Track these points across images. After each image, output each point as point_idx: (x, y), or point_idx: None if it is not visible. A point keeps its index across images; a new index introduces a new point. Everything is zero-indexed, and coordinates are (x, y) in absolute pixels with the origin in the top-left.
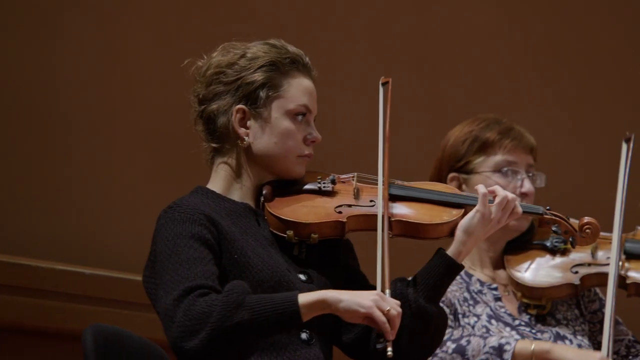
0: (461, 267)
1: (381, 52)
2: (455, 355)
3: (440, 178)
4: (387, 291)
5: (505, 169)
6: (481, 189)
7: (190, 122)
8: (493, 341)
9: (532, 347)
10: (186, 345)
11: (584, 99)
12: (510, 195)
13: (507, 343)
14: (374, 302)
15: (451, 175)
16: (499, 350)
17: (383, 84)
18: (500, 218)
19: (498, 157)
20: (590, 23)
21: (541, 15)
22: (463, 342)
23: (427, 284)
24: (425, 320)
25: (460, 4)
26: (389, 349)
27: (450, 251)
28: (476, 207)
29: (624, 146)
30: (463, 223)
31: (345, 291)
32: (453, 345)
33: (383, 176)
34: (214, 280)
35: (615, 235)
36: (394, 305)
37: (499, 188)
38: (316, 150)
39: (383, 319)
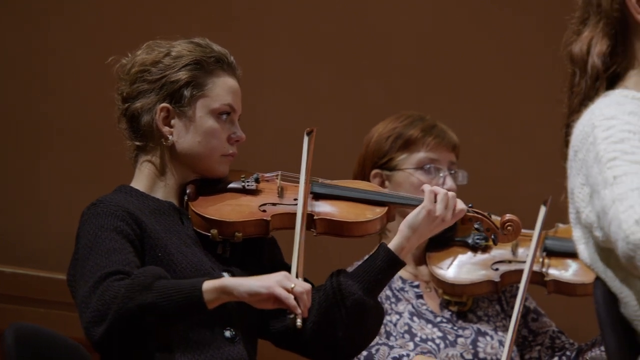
0: (403, 263)
1: (304, 49)
2: None
3: (364, 174)
4: (300, 279)
5: (427, 166)
6: (427, 187)
7: (113, 120)
8: (395, 352)
9: None
10: (94, 333)
11: (507, 97)
12: (451, 193)
13: (407, 355)
14: (277, 282)
15: (374, 171)
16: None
17: (308, 134)
18: (444, 216)
19: (421, 155)
20: (513, 21)
21: (465, 12)
22: (373, 350)
23: (367, 277)
24: (362, 313)
25: (384, 1)
26: (298, 320)
27: (392, 245)
28: (422, 204)
29: (542, 209)
30: (408, 219)
31: (247, 277)
32: (365, 352)
33: (306, 168)
34: (132, 268)
35: (536, 232)
36: (299, 283)
37: (439, 188)
38: (240, 149)
39: (286, 294)
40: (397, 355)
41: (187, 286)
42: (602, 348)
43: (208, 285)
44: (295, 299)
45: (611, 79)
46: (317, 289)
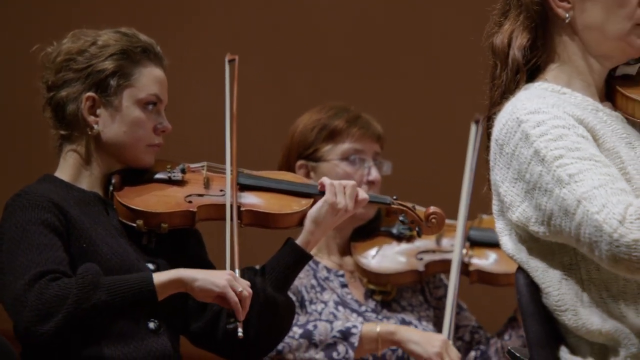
0: (309, 257)
1: (230, 40)
2: (303, 341)
3: (289, 165)
4: (237, 270)
5: (352, 157)
6: (326, 180)
7: (38, 109)
8: (340, 325)
9: (378, 329)
10: (40, 329)
11: (432, 88)
12: (351, 182)
13: (354, 326)
14: (228, 282)
15: (299, 162)
16: (346, 333)
17: (229, 61)
18: (347, 206)
19: (346, 146)
20: (434, 11)
21: (391, 4)
22: (310, 326)
23: (276, 273)
24: (273, 309)
25: None
26: (240, 329)
27: (299, 241)
28: (324, 198)
29: (473, 128)
30: (311, 213)
31: (200, 270)
32: (300, 330)
33: (231, 158)
34: (65, 266)
35: (460, 222)
36: (245, 287)
37: (338, 182)
38: (166, 140)
39: (236, 299)
40: (343, 329)
41: (138, 281)
42: (506, 338)
43: (160, 279)
44: (240, 302)
45: (531, 71)
46: None
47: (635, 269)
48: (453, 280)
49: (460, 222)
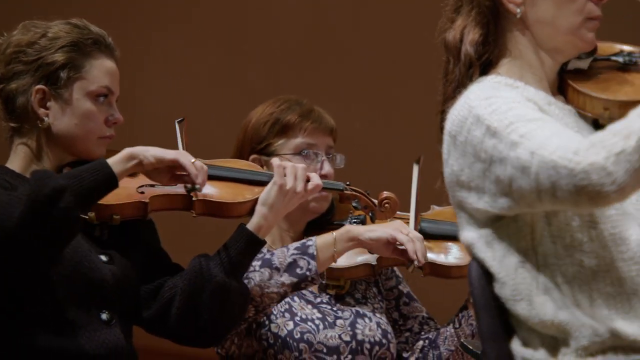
0: (263, 242)
1: (186, 31)
2: (264, 269)
3: (242, 159)
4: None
5: (305, 151)
6: (275, 161)
7: None
8: (295, 244)
9: (333, 234)
10: (7, 224)
11: (386, 82)
12: (300, 165)
13: (309, 239)
14: (178, 153)
15: (252, 157)
16: (302, 248)
17: (179, 122)
18: (296, 187)
19: (298, 140)
20: (388, 3)
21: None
22: (267, 255)
23: (228, 258)
24: (225, 294)
25: None
26: (197, 185)
27: (250, 225)
28: (272, 180)
29: (415, 168)
30: (262, 196)
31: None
32: (259, 262)
33: (184, 148)
34: None
35: (412, 214)
36: (198, 160)
37: (287, 162)
38: (117, 131)
39: (189, 162)
40: (299, 244)
41: (94, 167)
42: (456, 326)
43: (112, 160)
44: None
45: (484, 66)
46: (180, 275)
47: (596, 194)
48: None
49: (413, 191)
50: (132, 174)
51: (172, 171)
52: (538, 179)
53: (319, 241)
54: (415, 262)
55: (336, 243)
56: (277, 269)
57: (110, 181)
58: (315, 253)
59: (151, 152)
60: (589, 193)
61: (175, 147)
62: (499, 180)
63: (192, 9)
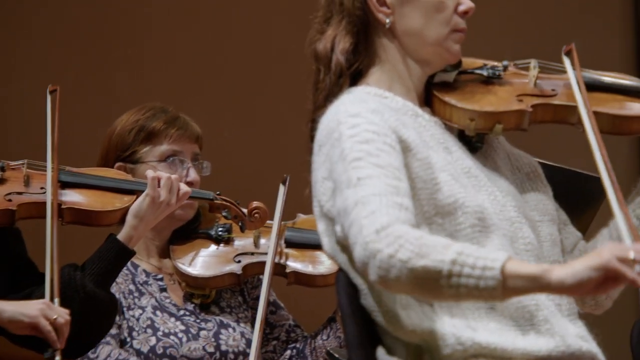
0: (132, 252)
1: (56, 37)
2: None
3: (107, 167)
4: (56, 300)
5: (171, 158)
6: (150, 173)
7: None
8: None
9: None
10: None
11: (256, 91)
12: (174, 176)
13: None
14: (40, 311)
15: (118, 164)
16: None
17: (51, 92)
18: (169, 200)
19: (164, 147)
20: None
21: (213, 7)
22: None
23: (97, 268)
24: (93, 305)
25: None
26: (57, 358)
27: (120, 236)
28: (145, 191)
29: (281, 188)
30: (133, 207)
31: (10, 302)
32: None
33: (52, 156)
34: None
35: (277, 212)
36: (61, 314)
37: (162, 172)
38: None
39: (49, 327)
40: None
41: None
42: (324, 337)
43: None
44: (55, 330)
45: (354, 75)
46: None
47: (366, 275)
48: (266, 282)
49: (277, 212)
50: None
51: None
52: (350, 229)
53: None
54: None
55: None
56: None
57: None
58: None
59: (8, 315)
60: (362, 269)
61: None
62: (336, 207)
63: (64, 11)
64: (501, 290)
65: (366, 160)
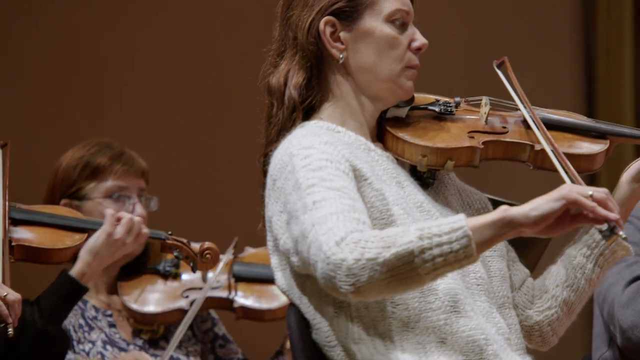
0: (85, 289)
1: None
2: None
3: (53, 203)
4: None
5: (116, 194)
6: (109, 211)
7: None
8: None
9: None
10: None
11: (206, 125)
12: (136, 218)
13: None
14: None
15: (64, 201)
16: None
17: (1, 147)
18: (125, 240)
19: (109, 183)
20: (211, 49)
21: (160, 37)
22: None
23: (49, 304)
24: (45, 341)
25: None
26: (10, 329)
27: (73, 272)
28: (103, 228)
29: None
30: (89, 244)
31: None
32: None
33: (3, 193)
34: None
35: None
36: (11, 292)
37: (124, 212)
38: None
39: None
40: None
41: None
42: None
43: None
44: (7, 307)
45: (307, 110)
46: None
47: (335, 288)
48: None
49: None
50: None
51: None
52: (309, 251)
53: None
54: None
55: None
56: None
57: None
58: None
59: None
60: (331, 285)
61: None
62: (292, 237)
63: (9, 47)
64: (474, 246)
65: (320, 185)
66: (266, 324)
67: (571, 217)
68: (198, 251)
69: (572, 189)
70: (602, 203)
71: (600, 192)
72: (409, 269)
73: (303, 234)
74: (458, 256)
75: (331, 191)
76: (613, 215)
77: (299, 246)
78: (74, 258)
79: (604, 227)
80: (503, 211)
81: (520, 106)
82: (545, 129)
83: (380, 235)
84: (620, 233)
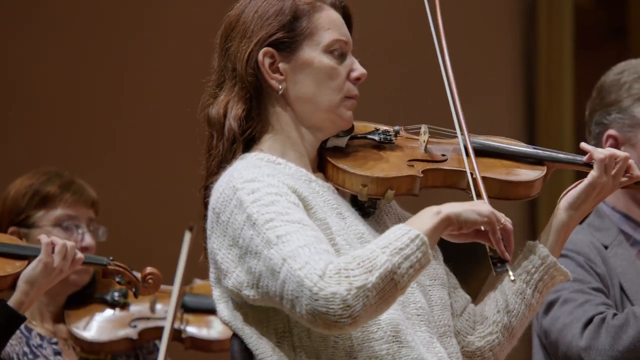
0: (23, 318)
1: None
2: None
3: (0, 231)
4: None
5: (65, 223)
6: (44, 238)
7: None
8: None
9: None
10: None
11: (153, 153)
12: (69, 244)
13: None
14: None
15: (11, 229)
16: None
17: None
18: (62, 267)
19: (58, 212)
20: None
21: (103, 69)
22: None
23: None
24: None
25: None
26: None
27: (11, 302)
28: (39, 257)
29: (187, 235)
30: (25, 273)
31: None
32: None
33: None
34: None
35: (181, 259)
36: None
37: (57, 238)
38: None
39: None
40: None
41: None
42: None
43: None
44: None
45: (247, 141)
46: None
47: (332, 323)
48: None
49: (181, 259)
50: None
51: None
52: (283, 288)
53: None
54: None
55: None
56: None
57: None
58: None
59: None
60: (325, 320)
61: None
62: (250, 271)
63: None
64: (430, 250)
65: (278, 219)
66: (214, 355)
67: (476, 231)
68: (140, 276)
69: (493, 212)
70: (507, 236)
71: (509, 223)
72: (392, 287)
73: (272, 269)
74: (422, 263)
75: (292, 224)
76: (508, 257)
77: (262, 281)
78: (14, 285)
79: (497, 258)
80: (438, 212)
81: (458, 133)
82: (472, 155)
83: (354, 261)
84: (511, 274)
